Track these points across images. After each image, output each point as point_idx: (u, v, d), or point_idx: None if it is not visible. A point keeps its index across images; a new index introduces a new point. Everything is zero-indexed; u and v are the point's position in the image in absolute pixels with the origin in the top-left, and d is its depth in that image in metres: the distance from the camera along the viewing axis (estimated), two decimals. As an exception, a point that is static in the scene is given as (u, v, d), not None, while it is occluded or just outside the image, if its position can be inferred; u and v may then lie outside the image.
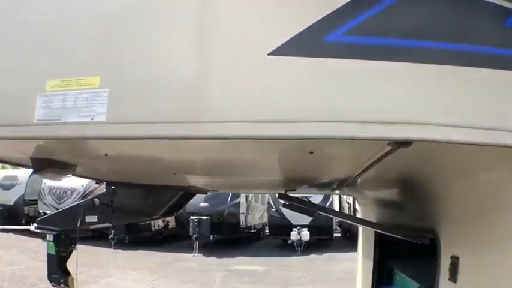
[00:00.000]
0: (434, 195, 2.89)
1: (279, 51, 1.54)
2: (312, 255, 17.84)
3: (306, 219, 19.29)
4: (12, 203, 22.12)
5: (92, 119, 1.61)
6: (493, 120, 1.54)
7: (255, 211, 23.24)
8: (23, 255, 14.47)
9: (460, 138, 1.52)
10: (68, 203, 18.12)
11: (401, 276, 4.34)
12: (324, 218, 19.84)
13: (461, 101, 1.56)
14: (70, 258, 3.91)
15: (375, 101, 1.50)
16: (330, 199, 20.12)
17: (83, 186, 18.65)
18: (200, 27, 1.64)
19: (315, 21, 1.54)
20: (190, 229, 17.66)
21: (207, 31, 1.63)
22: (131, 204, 3.78)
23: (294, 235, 19.29)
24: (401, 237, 3.34)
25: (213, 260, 16.24)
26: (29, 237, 16.53)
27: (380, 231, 4.24)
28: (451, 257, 2.58)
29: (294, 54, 1.53)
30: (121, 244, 17.59)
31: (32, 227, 3.94)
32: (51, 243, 3.80)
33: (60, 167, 2.32)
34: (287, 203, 3.53)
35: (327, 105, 1.52)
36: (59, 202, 18.70)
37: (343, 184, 3.73)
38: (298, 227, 19.40)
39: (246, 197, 21.29)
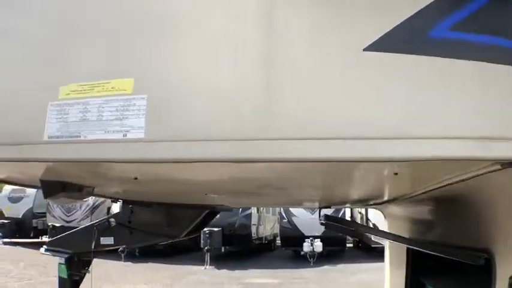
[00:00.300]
0: (490, 212, 2.60)
1: (375, 47, 1.22)
2: (326, 267, 17.48)
3: (319, 230, 18.93)
4: (20, 216, 21.99)
5: (124, 135, 1.29)
6: None
7: (266, 222, 22.92)
8: (32, 270, 14.16)
9: None
10: (77, 216, 18.01)
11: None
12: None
13: None
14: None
15: (501, 114, 1.17)
16: (343, 209, 19.92)
17: (92, 198, 18.35)
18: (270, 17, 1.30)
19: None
20: (202, 241, 17.29)
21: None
22: (151, 225, 3.46)
23: (306, 246, 18.96)
24: (450, 257, 3.02)
25: (225, 273, 15.95)
26: (37, 251, 16.34)
27: (418, 248, 3.78)
28: (510, 278, 2.29)
29: (392, 51, 1.22)
30: (131, 256, 17.29)
31: (42, 250, 3.65)
32: (63, 266, 3.51)
33: (75, 191, 1.98)
34: (328, 223, 3.22)
35: (440, 119, 1.18)
36: (68, 215, 18.54)
37: (387, 201, 3.38)
38: (310, 238, 19.06)
39: (257, 207, 20.79)
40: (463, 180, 1.74)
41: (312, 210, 19.00)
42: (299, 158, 1.24)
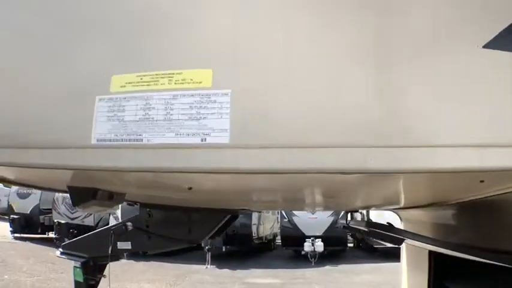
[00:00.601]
0: None
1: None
2: (327, 267, 17.41)
3: (320, 230, 19.27)
4: (28, 212, 21.82)
5: (203, 140, 1.07)
6: None
7: (266, 221, 22.80)
8: (41, 266, 14.13)
9: None
10: (81, 213, 17.89)
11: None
12: (339, 228, 19.41)
13: None
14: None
15: None
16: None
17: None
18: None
19: None
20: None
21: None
22: (171, 230, 3.32)
23: (307, 246, 18.92)
24: (478, 260, 3.00)
25: (226, 272, 15.85)
26: (45, 247, 17.07)
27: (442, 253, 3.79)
28: None
29: None
30: (133, 255, 17.15)
31: (57, 253, 3.57)
32: (78, 269, 3.43)
33: (106, 199, 1.76)
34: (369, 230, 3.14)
35: None
36: (72, 212, 18.41)
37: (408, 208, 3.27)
38: (311, 238, 19.05)
39: None
40: None
41: (313, 210, 19.44)
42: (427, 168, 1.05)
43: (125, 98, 1.14)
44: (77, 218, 18.22)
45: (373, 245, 19.32)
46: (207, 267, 16.53)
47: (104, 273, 3.46)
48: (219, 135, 1.06)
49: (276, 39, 1.12)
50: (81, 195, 1.71)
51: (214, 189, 1.81)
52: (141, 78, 1.14)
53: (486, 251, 2.95)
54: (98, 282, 3.47)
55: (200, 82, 1.10)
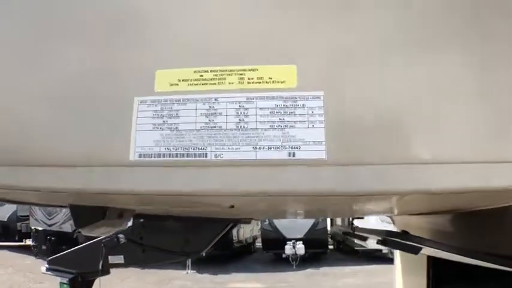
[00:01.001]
0: None
1: None
2: (309, 270, 17.44)
3: (301, 232, 19.28)
4: (5, 219, 21.58)
5: (291, 155, 0.86)
6: None
7: (246, 225, 22.69)
8: (20, 275, 13.89)
9: None
10: (58, 219, 17.62)
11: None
12: (319, 230, 19.89)
13: None
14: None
15: None
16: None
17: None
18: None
19: None
20: None
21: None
22: (166, 242, 3.09)
23: (288, 249, 18.92)
24: (479, 265, 2.90)
25: (207, 278, 15.76)
26: (21, 254, 17.15)
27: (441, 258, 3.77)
28: None
29: None
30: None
31: (43, 269, 3.31)
32: (66, 286, 3.18)
33: (117, 217, 1.49)
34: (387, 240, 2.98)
35: None
36: (49, 218, 18.11)
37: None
38: (292, 241, 19.03)
39: None
40: None
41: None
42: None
43: (177, 101, 0.91)
44: (54, 224, 17.92)
45: (354, 247, 19.45)
46: (187, 273, 16.35)
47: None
48: (314, 149, 0.85)
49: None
50: (87, 215, 1.43)
51: (257, 206, 1.59)
52: (200, 74, 0.90)
53: (485, 254, 2.85)
54: (84, 299, 3.24)
55: (284, 81, 0.88)
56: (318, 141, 0.86)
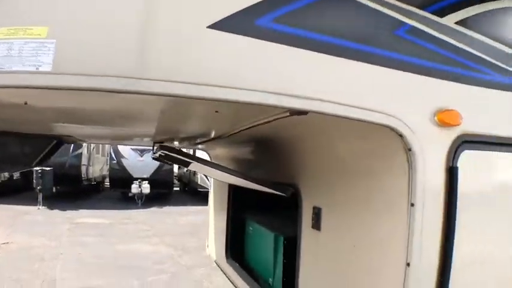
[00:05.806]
0: (298, 155, 3.19)
1: (216, 26, 1.65)
2: (153, 208, 17.99)
3: (147, 172, 19.68)
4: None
5: (37, 68, 1.52)
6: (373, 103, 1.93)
7: (96, 163, 22.82)
8: None
9: (341, 113, 1.84)
10: None
11: (255, 227, 4.72)
12: (165, 171, 20.21)
13: (351, 86, 1.89)
14: None
15: (290, 80, 1.77)
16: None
17: None
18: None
19: (249, 5, 1.70)
20: (34, 181, 16.88)
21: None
22: (6, 154, 3.43)
23: (134, 188, 19.33)
24: (267, 191, 3.51)
25: (57, 213, 15.79)
26: None
27: (238, 185, 4.32)
28: (313, 208, 2.90)
29: (229, 31, 1.66)
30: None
31: None
32: None
33: None
34: (163, 154, 3.43)
35: (253, 77, 1.70)
36: None
37: (211, 140, 3.90)
38: (139, 180, 19.48)
39: (88, 147, 20.74)
40: (268, 122, 2.23)
41: (141, 153, 19.46)
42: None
43: None
44: None
45: (197, 188, 20.05)
46: (39, 208, 16.38)
47: None
48: (46, 66, 1.53)
49: (89, 15, 1.61)
50: None
51: (44, 106, 2.27)
52: (9, 31, 1.57)
53: (268, 182, 3.49)
54: None
55: (40, 34, 1.55)
56: (49, 63, 1.51)
